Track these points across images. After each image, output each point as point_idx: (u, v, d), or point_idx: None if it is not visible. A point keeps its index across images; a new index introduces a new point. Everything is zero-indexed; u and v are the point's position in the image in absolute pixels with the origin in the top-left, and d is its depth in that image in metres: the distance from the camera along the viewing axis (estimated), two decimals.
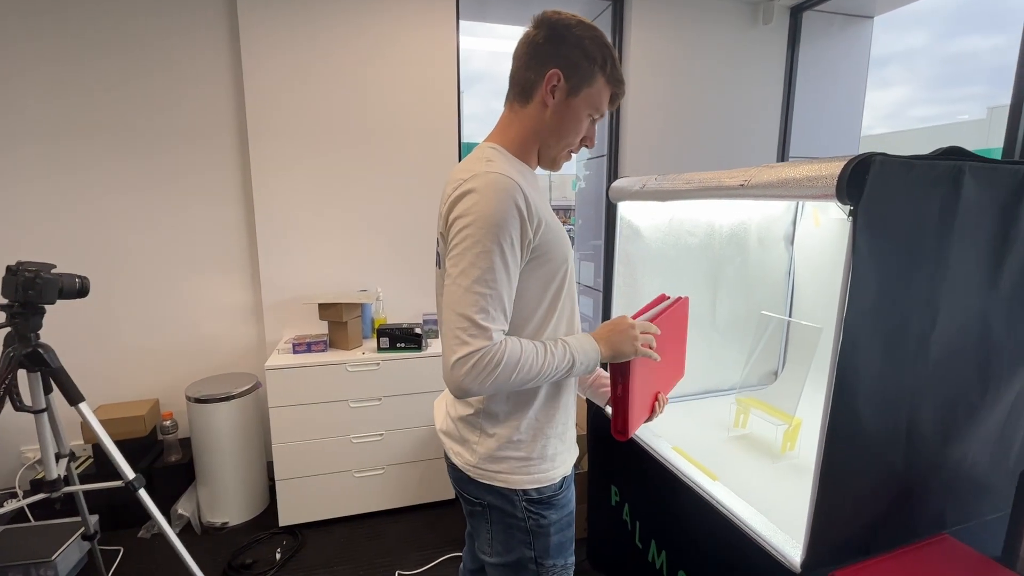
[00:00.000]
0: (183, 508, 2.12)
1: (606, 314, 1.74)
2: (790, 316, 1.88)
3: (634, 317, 0.95)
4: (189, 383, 2.21)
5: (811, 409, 1.48)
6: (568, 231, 0.95)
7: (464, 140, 2.53)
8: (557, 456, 0.94)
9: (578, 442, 2.14)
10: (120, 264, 2.23)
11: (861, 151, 0.83)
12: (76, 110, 2.09)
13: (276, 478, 2.07)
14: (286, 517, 2.11)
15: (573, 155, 0.96)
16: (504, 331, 0.80)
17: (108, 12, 2.07)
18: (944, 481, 1.05)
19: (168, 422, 2.17)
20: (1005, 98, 2.01)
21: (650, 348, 0.91)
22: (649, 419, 1.07)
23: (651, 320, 0.96)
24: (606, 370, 0.97)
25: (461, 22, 2.39)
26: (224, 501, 2.16)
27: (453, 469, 0.97)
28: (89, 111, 2.10)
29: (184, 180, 2.24)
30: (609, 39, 0.87)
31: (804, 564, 0.95)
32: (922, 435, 0.99)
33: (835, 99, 3.02)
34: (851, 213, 0.82)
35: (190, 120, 2.20)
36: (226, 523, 2.16)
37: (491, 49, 2.99)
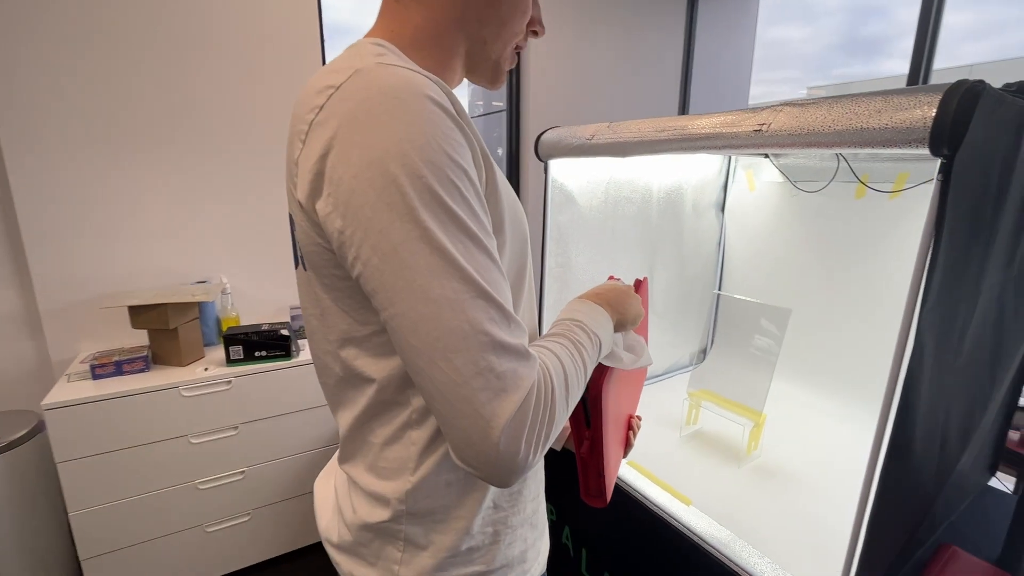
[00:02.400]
0: None
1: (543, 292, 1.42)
2: (720, 288, 1.73)
3: None
4: None
5: (776, 402, 1.32)
6: None
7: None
8: (528, 553, 0.60)
9: None
10: None
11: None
12: None
13: (81, 558, 1.45)
14: None
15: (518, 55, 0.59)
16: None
17: None
18: (951, 484, 0.92)
19: None
20: (816, 81, 2.02)
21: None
22: (625, 455, 0.79)
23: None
24: None
25: None
26: None
27: None
28: None
29: None
30: None
31: None
32: (950, 443, 0.83)
33: (728, 62, 2.98)
34: (943, 168, 0.57)
35: None
36: None
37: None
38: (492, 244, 0.42)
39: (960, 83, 0.55)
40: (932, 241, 0.59)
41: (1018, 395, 1.14)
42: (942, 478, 0.86)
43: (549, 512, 1.40)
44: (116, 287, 1.67)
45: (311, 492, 1.73)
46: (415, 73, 0.41)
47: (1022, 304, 0.90)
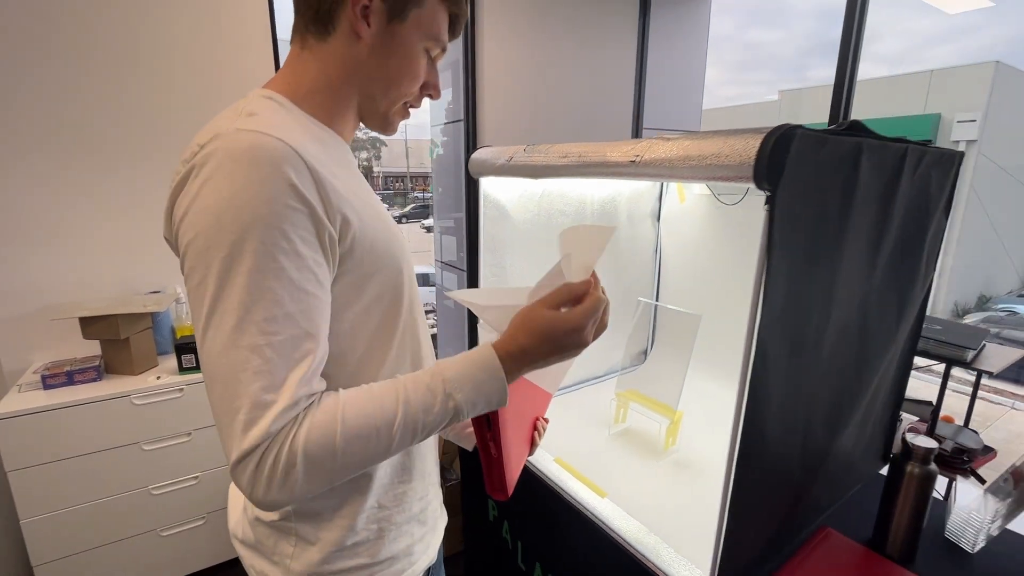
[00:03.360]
0: None
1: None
2: (657, 296, 1.83)
3: None
4: None
5: (691, 400, 1.42)
6: (426, 201, 0.64)
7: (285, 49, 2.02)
8: (415, 547, 0.68)
9: (448, 447, 1.82)
10: None
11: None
12: None
13: (33, 563, 1.49)
14: None
15: (412, 110, 0.66)
16: (310, 393, 0.48)
17: None
18: (826, 471, 1.02)
19: None
20: (789, 83, 2.13)
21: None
22: (530, 453, 0.86)
23: None
24: None
25: None
26: None
27: None
28: None
29: None
30: None
31: None
32: (815, 436, 0.93)
33: (680, 72, 3.10)
34: (768, 200, 0.66)
35: None
36: None
37: None
38: (313, 292, 0.48)
39: (777, 128, 0.65)
40: (765, 260, 0.68)
41: (902, 391, 1.25)
42: (812, 467, 0.96)
43: (490, 507, 1.48)
44: (68, 297, 1.70)
45: None
46: (268, 137, 0.47)
47: (886, 311, 1.01)
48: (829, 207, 0.77)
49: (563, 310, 0.55)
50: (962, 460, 1.56)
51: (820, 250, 0.79)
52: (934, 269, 1.15)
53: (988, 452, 1.58)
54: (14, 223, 1.60)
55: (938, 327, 1.60)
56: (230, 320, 0.45)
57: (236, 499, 0.70)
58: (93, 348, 1.68)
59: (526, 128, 2.54)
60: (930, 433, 1.58)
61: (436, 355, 0.72)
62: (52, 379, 1.51)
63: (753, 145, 0.64)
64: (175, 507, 1.66)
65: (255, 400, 0.44)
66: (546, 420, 0.88)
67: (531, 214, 1.43)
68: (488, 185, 1.35)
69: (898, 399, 1.24)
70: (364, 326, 0.57)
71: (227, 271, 0.45)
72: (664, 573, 0.91)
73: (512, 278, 1.46)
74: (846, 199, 0.79)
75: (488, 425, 0.66)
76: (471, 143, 2.50)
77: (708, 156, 0.70)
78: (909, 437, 0.94)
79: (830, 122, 2.08)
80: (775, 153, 0.64)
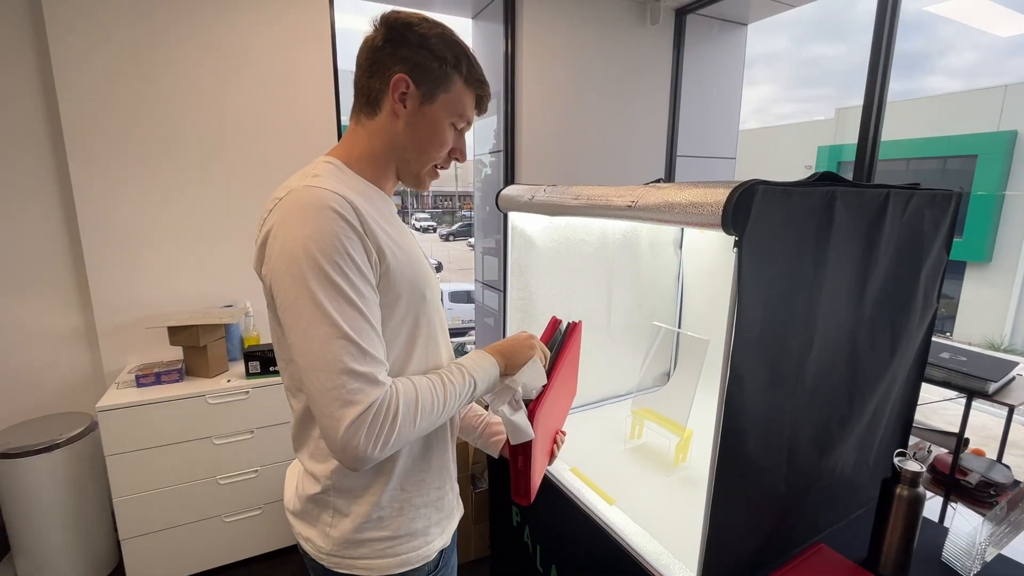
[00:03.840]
0: None
1: (506, 320, 1.64)
2: (680, 321, 1.91)
3: None
4: None
5: (701, 419, 1.50)
6: (472, 220, 0.82)
7: (346, 125, 2.27)
8: (431, 529, 0.81)
9: (479, 456, 1.99)
10: None
11: (739, 148, 0.79)
12: None
13: (121, 537, 1.73)
14: None
15: (443, 170, 0.82)
16: (388, 369, 0.66)
17: None
18: (820, 490, 1.09)
19: None
20: (849, 100, 2.15)
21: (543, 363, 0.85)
22: (549, 463, 0.99)
23: (556, 362, 0.89)
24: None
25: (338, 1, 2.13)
26: (52, 571, 1.78)
27: (306, 557, 0.81)
28: None
29: None
30: (460, 38, 0.75)
31: None
32: (802, 453, 1.00)
33: (716, 99, 3.17)
34: (737, 243, 0.78)
35: None
36: None
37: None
38: (365, 304, 0.64)
39: (742, 184, 0.76)
40: (736, 295, 0.79)
41: (909, 419, 1.29)
42: (803, 484, 1.03)
43: (514, 514, 1.60)
44: (158, 309, 1.99)
45: None
46: (329, 192, 0.64)
47: (879, 341, 1.08)
48: (804, 247, 0.87)
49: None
50: (988, 494, 1.55)
51: (798, 285, 0.89)
52: (937, 301, 1.20)
53: (1017, 486, 1.56)
54: (120, 248, 1.90)
55: (963, 358, 1.61)
56: (324, 321, 0.61)
57: (291, 479, 0.87)
58: (176, 353, 1.95)
59: (561, 156, 2.69)
60: (953, 465, 1.58)
61: None
62: (144, 378, 1.78)
63: (721, 197, 0.76)
64: (237, 496, 1.88)
65: (360, 374, 0.61)
66: (563, 432, 1.01)
67: (555, 243, 1.57)
68: (516, 218, 1.50)
69: (905, 426, 1.28)
70: (393, 338, 0.72)
71: (314, 288, 0.61)
72: (659, 573, 1.00)
73: (537, 300, 1.60)
74: (821, 240, 0.89)
75: (524, 447, 0.80)
76: (509, 173, 2.68)
77: (687, 205, 0.82)
78: (898, 461, 1.00)
79: (859, 145, 2.12)
80: (740, 205, 0.75)
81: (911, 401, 1.27)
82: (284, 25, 2.01)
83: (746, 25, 3.14)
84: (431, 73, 0.71)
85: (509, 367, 0.79)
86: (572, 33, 2.58)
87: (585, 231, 1.62)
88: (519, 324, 1.58)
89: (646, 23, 2.77)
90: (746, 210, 0.76)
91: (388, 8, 0.75)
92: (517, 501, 0.87)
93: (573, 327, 0.97)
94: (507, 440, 0.81)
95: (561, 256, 1.60)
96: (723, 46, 3.10)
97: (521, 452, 0.81)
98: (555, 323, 0.99)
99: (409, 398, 0.65)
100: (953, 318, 12.69)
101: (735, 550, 0.96)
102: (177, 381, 1.82)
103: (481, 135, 2.94)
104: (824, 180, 0.89)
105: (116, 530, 1.79)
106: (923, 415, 1.86)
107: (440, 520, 0.83)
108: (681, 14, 2.85)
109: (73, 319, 1.95)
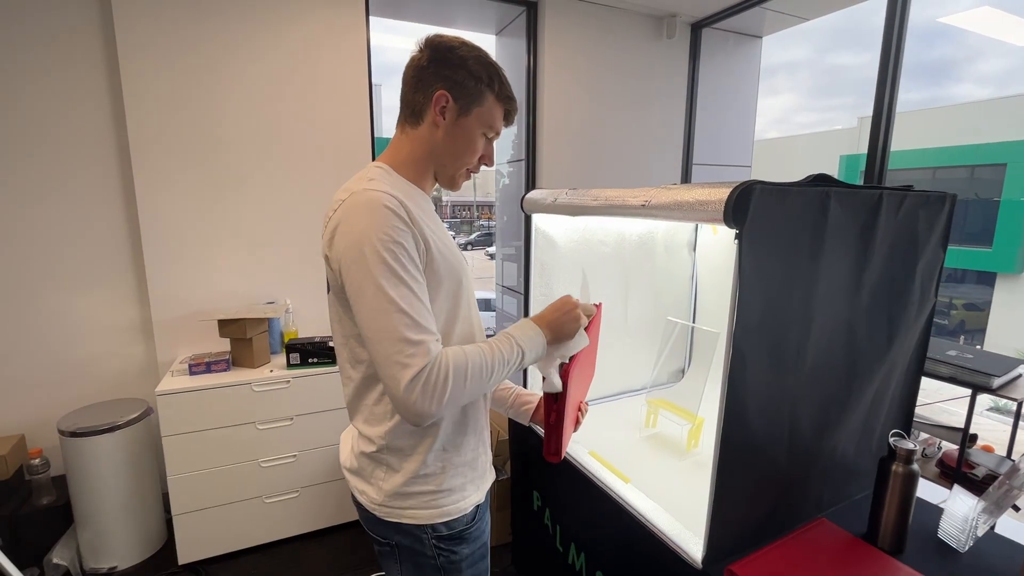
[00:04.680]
0: (59, 557, 1.87)
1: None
2: (694, 317, 2.00)
3: None
4: (64, 414, 1.94)
5: (711, 408, 1.59)
6: (490, 229, 0.93)
7: (381, 135, 2.44)
8: (467, 486, 0.93)
9: (500, 449, 2.12)
10: None
11: (756, 157, 0.90)
12: None
13: (173, 513, 1.89)
14: (187, 554, 1.93)
15: (473, 174, 0.95)
16: (439, 339, 0.77)
17: None
18: (821, 470, 1.18)
19: (37, 460, 1.90)
20: (872, 109, 2.22)
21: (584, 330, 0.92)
22: (575, 430, 1.09)
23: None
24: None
25: (375, 18, 2.30)
26: (110, 543, 1.94)
27: (360, 508, 0.93)
28: None
29: (53, 187, 1.96)
30: (493, 59, 0.88)
31: (705, 560, 1.02)
32: (802, 432, 1.09)
33: (732, 109, 3.27)
34: (737, 236, 0.89)
35: (55, 120, 1.93)
36: (114, 568, 1.94)
37: (409, 44, 2.92)
38: (417, 285, 0.76)
39: (742, 183, 0.87)
40: (738, 283, 0.90)
41: (911, 408, 1.36)
42: (804, 462, 1.12)
43: (535, 499, 1.71)
44: (208, 305, 2.16)
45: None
46: (383, 193, 0.77)
47: (876, 330, 1.17)
48: (800, 241, 0.97)
49: None
50: None
51: (796, 275, 0.99)
52: (935, 296, 1.28)
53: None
54: (175, 249, 2.08)
55: (969, 355, 1.67)
56: (384, 299, 0.73)
57: (346, 441, 0.99)
58: (222, 346, 2.12)
59: (580, 164, 2.81)
60: (959, 458, 1.64)
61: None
62: (196, 367, 1.94)
63: (724, 195, 0.87)
64: (277, 479, 2.02)
65: (415, 342, 0.73)
66: (587, 404, 1.12)
67: (575, 244, 1.69)
68: (539, 220, 1.63)
69: (907, 416, 1.35)
70: (439, 314, 0.85)
71: (375, 272, 0.73)
72: (671, 540, 1.10)
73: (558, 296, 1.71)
74: (817, 235, 0.99)
75: (555, 398, 0.91)
76: (529, 180, 2.81)
77: (694, 203, 0.94)
78: (893, 440, 1.08)
79: (868, 154, 2.20)
80: (739, 202, 0.86)
81: (911, 392, 1.34)
82: (324, 45, 2.19)
83: (761, 38, 3.23)
84: (468, 90, 0.84)
85: (556, 338, 0.88)
86: (591, 48, 2.72)
87: (603, 232, 1.74)
88: None
89: (662, 37, 2.89)
90: (745, 206, 0.87)
91: (432, 32, 0.88)
92: (548, 459, 0.96)
93: (595, 309, 1.08)
94: (538, 405, 0.92)
95: (581, 256, 1.71)
96: (738, 58, 3.20)
97: (555, 409, 0.92)
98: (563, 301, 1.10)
99: (460, 362, 0.75)
100: (983, 330, 12.37)
101: (740, 521, 1.06)
102: (225, 370, 1.98)
103: (500, 146, 3.08)
104: (818, 181, 0.99)
105: (167, 510, 1.95)
106: (934, 414, 1.91)
107: (475, 479, 0.95)
108: (697, 28, 2.96)
109: (132, 313, 2.13)
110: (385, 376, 0.74)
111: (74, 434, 1.83)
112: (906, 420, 1.36)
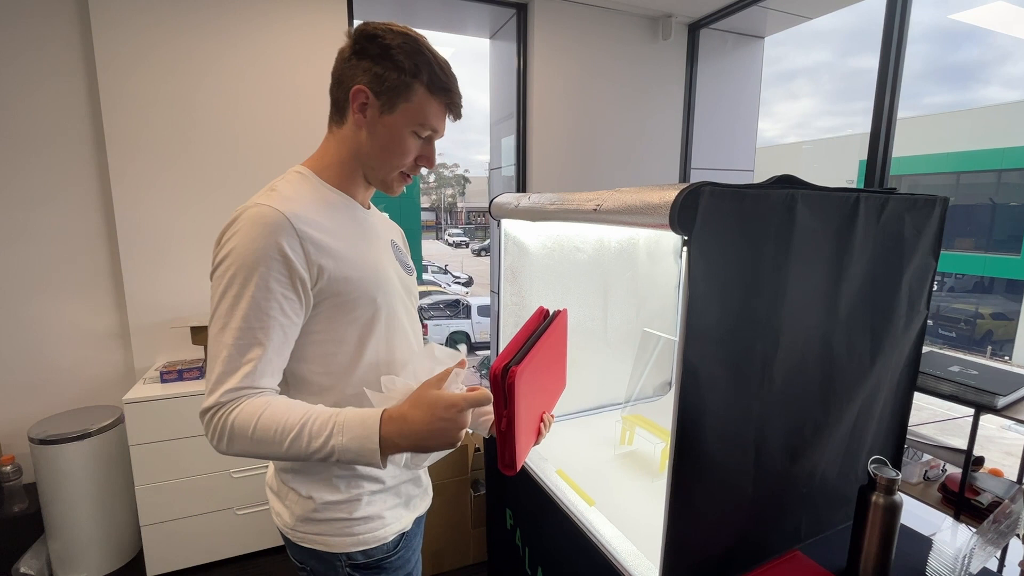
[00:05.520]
0: (27, 566, 1.85)
1: (499, 324, 1.68)
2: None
3: (515, 338, 0.88)
4: (36, 421, 1.93)
5: None
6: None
7: None
8: (387, 513, 0.85)
9: (477, 463, 2.01)
10: None
11: (773, 161, 0.81)
12: None
13: (141, 524, 1.85)
14: (156, 566, 1.89)
15: (413, 176, 0.87)
16: (253, 387, 0.68)
17: None
18: (797, 497, 1.08)
19: (8, 467, 1.88)
20: (900, 111, 2.09)
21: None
22: (536, 442, 1.01)
23: (529, 352, 0.86)
24: None
25: (359, 22, 2.27)
26: (80, 553, 1.90)
27: (279, 530, 0.87)
28: None
29: (29, 193, 1.96)
30: (427, 44, 0.78)
31: None
32: (771, 455, 1.00)
33: (732, 112, 3.17)
34: (685, 243, 0.81)
35: (30, 126, 1.93)
36: None
37: None
38: (277, 322, 0.70)
39: (689, 185, 0.79)
40: (687, 292, 0.82)
41: (902, 431, 1.25)
42: (775, 489, 1.03)
43: (508, 516, 1.63)
44: (186, 311, 2.13)
45: None
46: (272, 209, 0.70)
47: (857, 347, 1.07)
48: (763, 248, 0.89)
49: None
50: None
51: (759, 285, 0.90)
52: (926, 308, 1.18)
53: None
54: (153, 255, 2.06)
55: (974, 372, 1.55)
56: (219, 323, 0.69)
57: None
58: (197, 352, 2.08)
59: (573, 170, 2.74)
60: (962, 483, 1.51)
61: None
62: (167, 375, 1.91)
63: (670, 198, 0.80)
64: (249, 490, 1.98)
65: (217, 378, 0.68)
66: (552, 416, 1.03)
67: (548, 251, 1.62)
68: (509, 225, 1.56)
69: (897, 438, 1.25)
70: (347, 334, 0.78)
71: (225, 292, 0.69)
72: (627, 571, 1.01)
73: (531, 307, 1.64)
74: (782, 242, 0.90)
75: (505, 404, 0.80)
76: (520, 188, 2.74)
77: (642, 207, 0.86)
78: (872, 468, 0.98)
79: (868, 157, 2.09)
80: (686, 205, 0.78)
81: (902, 412, 1.24)
82: (305, 48, 2.16)
83: (763, 38, 3.13)
84: (391, 84, 0.75)
85: (414, 447, 0.67)
86: (583, 51, 2.65)
87: (580, 239, 1.66)
88: (512, 329, 1.62)
89: (658, 39, 2.81)
90: (693, 211, 0.79)
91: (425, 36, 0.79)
92: (504, 471, 0.87)
93: (558, 314, 1.00)
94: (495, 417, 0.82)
95: (555, 264, 1.64)
96: (739, 59, 3.10)
97: (505, 415, 0.81)
98: (542, 312, 1.02)
99: (244, 423, 0.66)
100: (1012, 341, 11.90)
101: (700, 551, 0.97)
102: (198, 378, 1.95)
103: (506, 150, 3.01)
104: (782, 183, 0.90)
105: (139, 519, 1.91)
106: (939, 431, 1.78)
107: (397, 506, 0.87)
108: (694, 29, 2.87)
109: (108, 319, 2.11)
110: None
111: (44, 441, 1.81)
112: (897, 442, 1.25)
